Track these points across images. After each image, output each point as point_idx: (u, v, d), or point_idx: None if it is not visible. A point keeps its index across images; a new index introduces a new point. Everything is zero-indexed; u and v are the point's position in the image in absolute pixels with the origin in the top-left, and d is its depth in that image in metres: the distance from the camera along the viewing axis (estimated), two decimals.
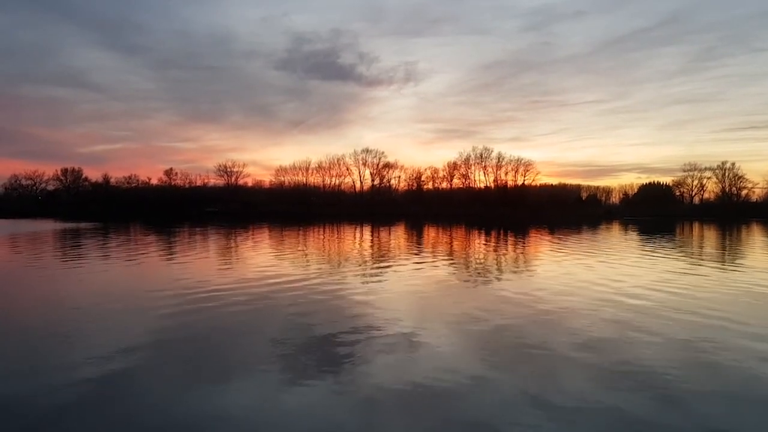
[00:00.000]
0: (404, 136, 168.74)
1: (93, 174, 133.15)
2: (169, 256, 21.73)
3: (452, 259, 21.40)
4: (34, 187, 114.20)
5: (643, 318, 9.99)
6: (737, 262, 21.19)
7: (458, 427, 5.15)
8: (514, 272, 17.42)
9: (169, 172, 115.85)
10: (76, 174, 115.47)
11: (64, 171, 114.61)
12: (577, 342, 8.23)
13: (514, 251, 26.11)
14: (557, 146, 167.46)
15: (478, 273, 17.27)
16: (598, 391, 6.06)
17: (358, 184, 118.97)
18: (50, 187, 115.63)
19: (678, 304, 11.35)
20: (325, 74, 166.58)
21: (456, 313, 10.43)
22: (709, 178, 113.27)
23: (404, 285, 14.28)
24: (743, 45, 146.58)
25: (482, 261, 21.22)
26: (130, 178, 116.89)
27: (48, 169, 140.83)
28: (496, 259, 21.77)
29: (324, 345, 7.98)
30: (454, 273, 17.12)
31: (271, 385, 6.21)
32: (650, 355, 7.51)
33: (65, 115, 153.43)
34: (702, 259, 21.62)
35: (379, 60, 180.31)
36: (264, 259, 20.49)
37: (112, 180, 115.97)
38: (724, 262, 21.13)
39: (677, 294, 12.75)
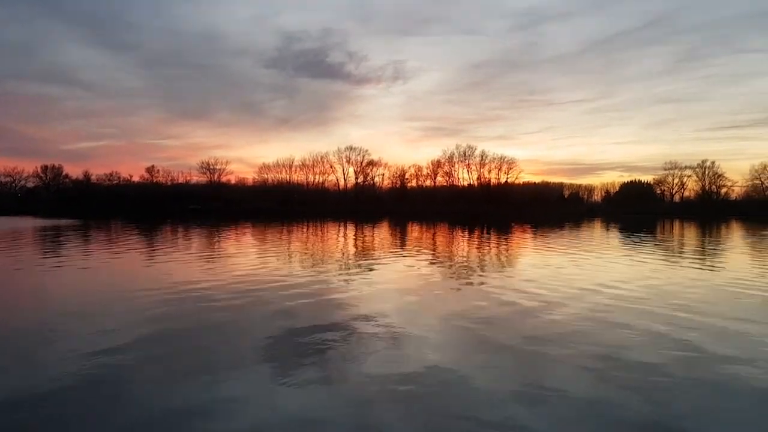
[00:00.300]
0: (392, 134, 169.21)
1: (75, 171, 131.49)
2: (151, 255, 21.52)
3: (437, 257, 21.48)
4: (13, 185, 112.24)
5: (623, 308, 10.15)
6: (716, 259, 21.60)
7: (449, 423, 5.18)
8: (499, 270, 17.54)
9: (150, 170, 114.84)
10: (56, 171, 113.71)
11: (44, 168, 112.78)
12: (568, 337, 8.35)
13: (498, 249, 26.31)
14: (543, 144, 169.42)
15: (463, 271, 17.35)
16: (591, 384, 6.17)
17: (341, 182, 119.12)
18: (30, 185, 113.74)
19: (661, 299, 11.55)
20: (314, 72, 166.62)
21: (445, 311, 10.49)
22: (689, 176, 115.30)
23: (390, 283, 14.29)
24: (727, 46, 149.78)
25: (466, 259, 21.31)
26: (111, 175, 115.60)
27: (29, 166, 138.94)
28: (480, 257, 21.88)
29: (311, 343, 7.96)
30: (440, 271, 17.17)
31: (259, 384, 6.18)
32: (637, 347, 7.64)
33: (50, 112, 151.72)
34: (683, 257, 21.98)
35: (368, 59, 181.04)
36: (247, 258, 20.42)
37: (93, 177, 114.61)
38: (705, 259, 21.55)
39: (658, 289, 12.95)
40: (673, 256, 22.14)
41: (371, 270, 16.72)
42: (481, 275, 15.80)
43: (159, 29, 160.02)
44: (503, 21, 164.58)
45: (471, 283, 14.22)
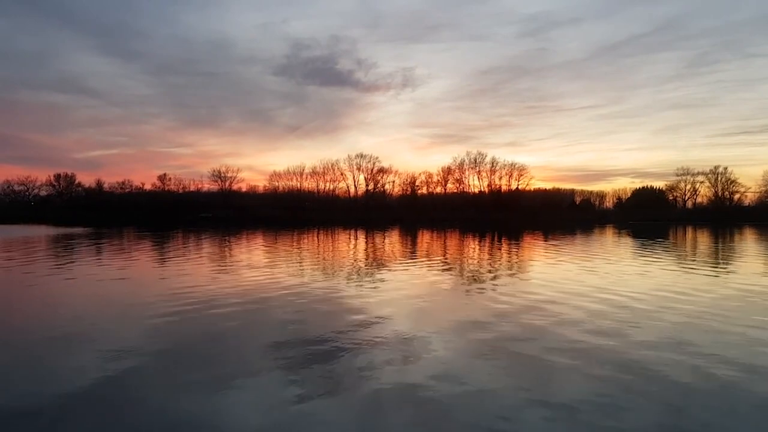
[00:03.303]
0: (401, 141, 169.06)
1: (88, 179, 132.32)
2: (163, 263, 21.62)
3: (450, 265, 21.35)
4: (27, 193, 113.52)
5: (640, 318, 10.00)
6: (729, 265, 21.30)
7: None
8: (512, 277, 17.36)
9: (162, 178, 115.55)
10: (69, 179, 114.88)
11: (57, 176, 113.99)
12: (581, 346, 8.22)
13: (510, 257, 26.13)
14: (553, 151, 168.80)
15: (474, 278, 17.22)
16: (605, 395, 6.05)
17: (352, 189, 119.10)
18: (43, 193, 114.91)
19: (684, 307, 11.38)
20: (323, 80, 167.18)
21: (456, 319, 10.37)
22: (701, 182, 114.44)
23: (402, 291, 14.13)
24: (737, 50, 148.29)
25: (478, 266, 21.17)
26: (123, 183, 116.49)
27: (42, 175, 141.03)
28: (492, 265, 21.72)
29: (322, 351, 7.88)
30: (453, 279, 17.06)
31: (270, 392, 6.12)
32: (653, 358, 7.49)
33: (62, 120, 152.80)
34: (706, 265, 21.70)
35: (377, 66, 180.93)
36: (259, 266, 20.41)
37: (106, 185, 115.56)
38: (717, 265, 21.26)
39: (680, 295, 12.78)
40: (695, 264, 21.81)
41: (383, 279, 16.62)
42: (495, 283, 15.62)
43: (167, 37, 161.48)
44: (511, 27, 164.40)
45: (484, 291, 14.05)
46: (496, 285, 15.10)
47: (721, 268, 20.12)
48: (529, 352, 7.81)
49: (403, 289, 14.15)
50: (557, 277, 16.79)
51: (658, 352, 7.81)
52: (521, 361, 7.38)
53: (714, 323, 9.79)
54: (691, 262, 21.83)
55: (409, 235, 47.28)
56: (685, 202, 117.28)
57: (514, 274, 18.04)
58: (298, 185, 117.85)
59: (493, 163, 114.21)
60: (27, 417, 5.36)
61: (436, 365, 7.15)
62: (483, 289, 14.51)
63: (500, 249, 30.74)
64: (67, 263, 20.60)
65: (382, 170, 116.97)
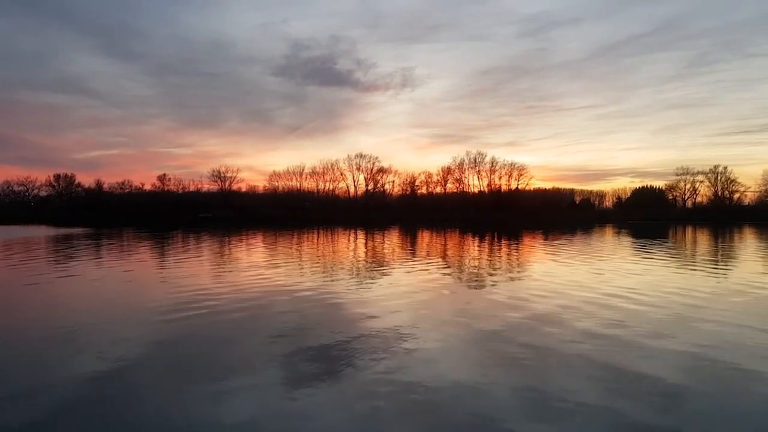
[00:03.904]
0: (400, 141, 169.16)
1: (88, 180, 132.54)
2: (162, 264, 21.60)
3: (450, 266, 21.32)
4: (27, 193, 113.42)
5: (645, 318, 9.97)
6: (727, 264, 21.27)
7: None
8: (512, 278, 17.35)
9: (162, 178, 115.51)
10: (69, 180, 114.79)
11: (57, 177, 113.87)
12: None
13: (510, 257, 26.11)
14: (552, 151, 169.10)
15: (474, 277, 17.20)
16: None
17: (352, 189, 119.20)
18: (43, 193, 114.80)
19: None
20: (322, 80, 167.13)
21: (458, 320, 10.35)
22: (701, 181, 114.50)
23: (407, 294, 13.87)
24: (737, 50, 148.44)
25: (477, 266, 21.14)
26: (123, 183, 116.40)
27: (42, 175, 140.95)
28: (491, 265, 21.69)
29: (323, 352, 7.85)
30: (455, 279, 17.02)
31: (270, 393, 6.09)
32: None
33: (61, 121, 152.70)
34: (714, 265, 21.70)
35: (377, 66, 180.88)
36: (258, 266, 20.38)
37: (105, 186, 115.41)
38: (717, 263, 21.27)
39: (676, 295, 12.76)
40: (712, 266, 21.80)
41: (384, 279, 16.59)
42: (493, 285, 15.62)
43: (167, 37, 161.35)
44: (511, 27, 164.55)
45: (484, 293, 14.04)
46: (497, 287, 15.06)
47: (739, 270, 19.97)
48: (576, 352, 7.78)
49: (408, 293, 13.77)
50: (579, 277, 16.62)
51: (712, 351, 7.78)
52: (563, 365, 7.31)
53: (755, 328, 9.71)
54: (707, 264, 21.84)
55: (409, 235, 47.24)
56: (684, 201, 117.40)
57: (531, 275, 17.95)
58: (298, 185, 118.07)
59: (493, 163, 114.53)
60: (27, 417, 5.33)
61: (440, 366, 7.10)
62: (482, 290, 14.47)
63: (504, 249, 30.70)
64: (68, 264, 20.56)
65: (381, 170, 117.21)
